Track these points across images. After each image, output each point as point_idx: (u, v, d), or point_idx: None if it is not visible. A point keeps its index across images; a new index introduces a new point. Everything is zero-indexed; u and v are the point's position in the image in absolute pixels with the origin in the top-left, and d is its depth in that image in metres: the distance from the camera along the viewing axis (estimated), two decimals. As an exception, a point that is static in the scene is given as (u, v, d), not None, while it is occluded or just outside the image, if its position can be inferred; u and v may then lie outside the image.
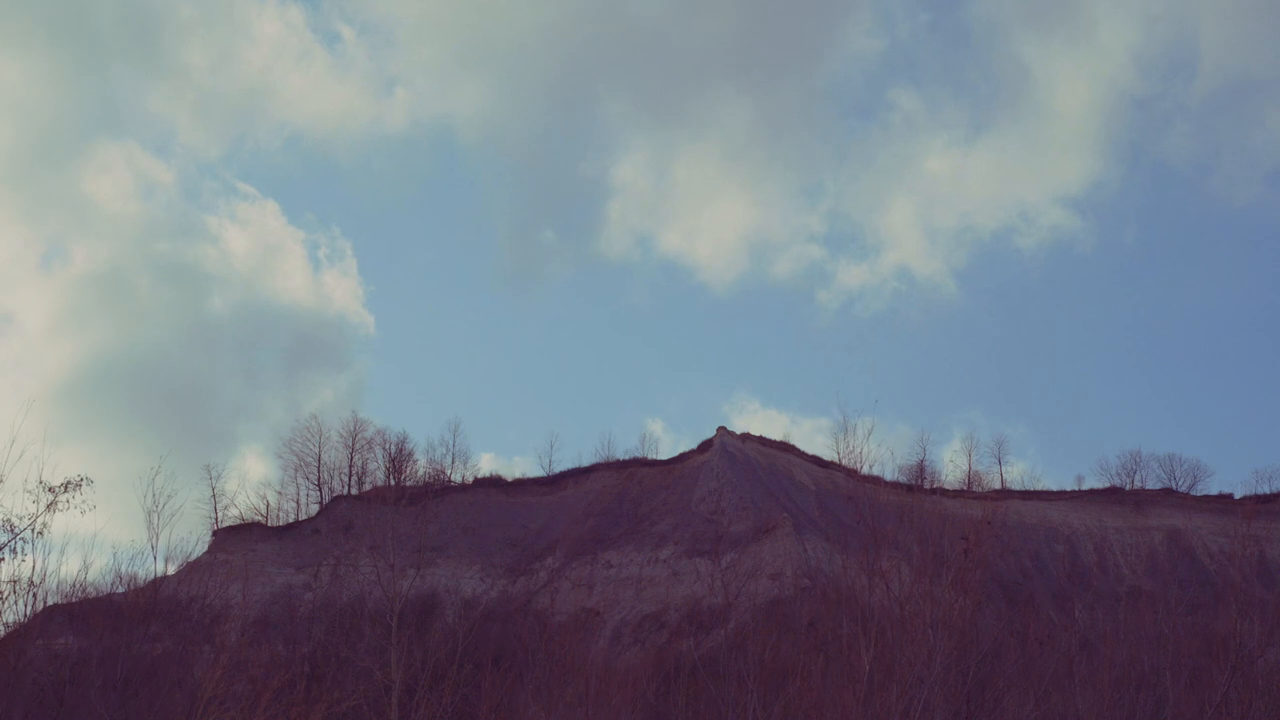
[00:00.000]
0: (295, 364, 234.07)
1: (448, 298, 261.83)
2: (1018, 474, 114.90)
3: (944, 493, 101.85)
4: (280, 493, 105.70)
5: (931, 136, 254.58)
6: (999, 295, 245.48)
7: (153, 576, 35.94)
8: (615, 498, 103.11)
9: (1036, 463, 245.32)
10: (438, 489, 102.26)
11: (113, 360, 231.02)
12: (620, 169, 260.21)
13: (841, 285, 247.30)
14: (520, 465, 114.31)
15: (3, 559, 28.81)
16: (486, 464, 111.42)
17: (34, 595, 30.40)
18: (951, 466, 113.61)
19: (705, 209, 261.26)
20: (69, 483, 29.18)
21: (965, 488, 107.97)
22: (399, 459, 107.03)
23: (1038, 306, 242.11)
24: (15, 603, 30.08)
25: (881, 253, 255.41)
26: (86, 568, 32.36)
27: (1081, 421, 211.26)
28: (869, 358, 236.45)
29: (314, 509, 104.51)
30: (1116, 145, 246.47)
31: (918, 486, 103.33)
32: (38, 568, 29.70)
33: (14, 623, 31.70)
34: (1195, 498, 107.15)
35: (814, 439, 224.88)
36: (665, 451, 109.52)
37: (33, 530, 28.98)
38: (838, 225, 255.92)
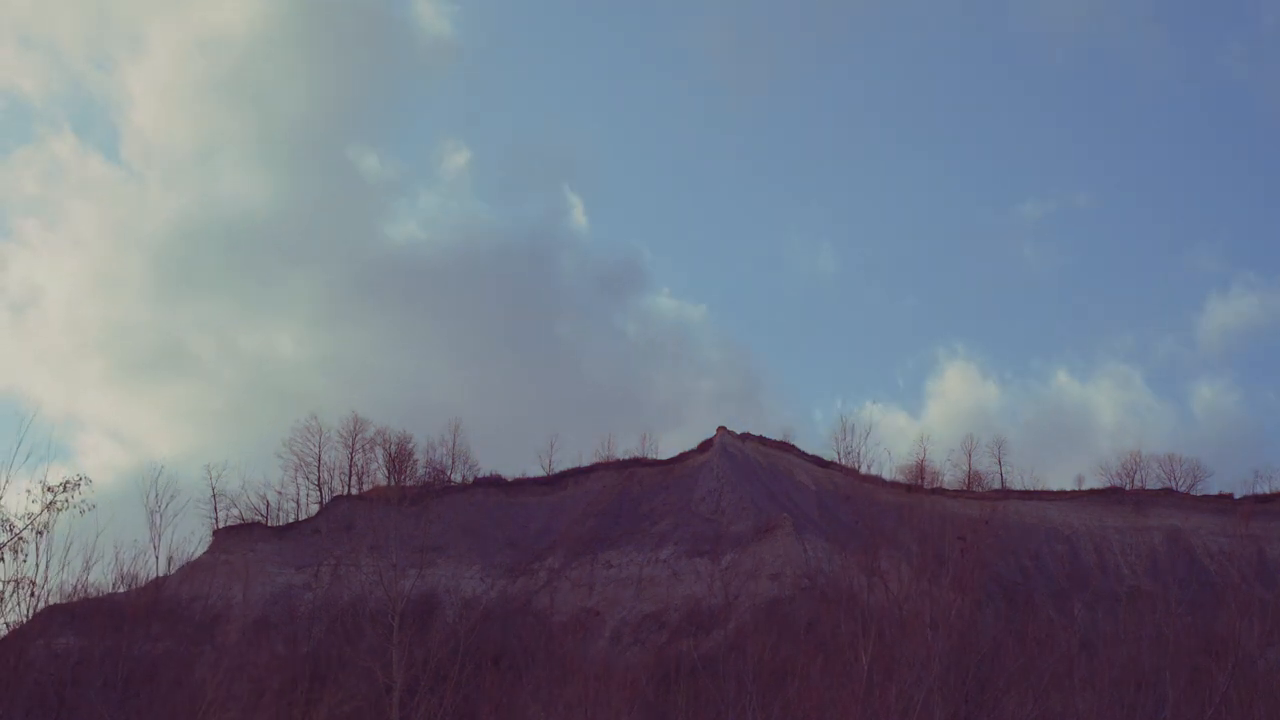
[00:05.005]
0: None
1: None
2: (1018, 474, 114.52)
3: (944, 492, 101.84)
4: (280, 493, 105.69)
5: None
6: None
7: (153, 576, 35.99)
8: (615, 498, 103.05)
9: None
10: (438, 489, 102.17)
11: (239, 202, 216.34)
12: None
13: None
14: (520, 465, 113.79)
15: (3, 559, 28.85)
16: (488, 460, 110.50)
17: (34, 595, 30.42)
18: (951, 466, 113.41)
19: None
20: (68, 482, 29.27)
21: (965, 488, 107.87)
22: (399, 459, 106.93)
23: None
24: (16, 603, 30.11)
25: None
26: (87, 568, 32.32)
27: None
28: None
29: (314, 509, 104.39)
30: None
31: (917, 486, 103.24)
32: (38, 568, 29.74)
33: (15, 623, 31.70)
34: (1195, 498, 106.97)
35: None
36: (665, 451, 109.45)
37: (33, 530, 29.03)
38: None
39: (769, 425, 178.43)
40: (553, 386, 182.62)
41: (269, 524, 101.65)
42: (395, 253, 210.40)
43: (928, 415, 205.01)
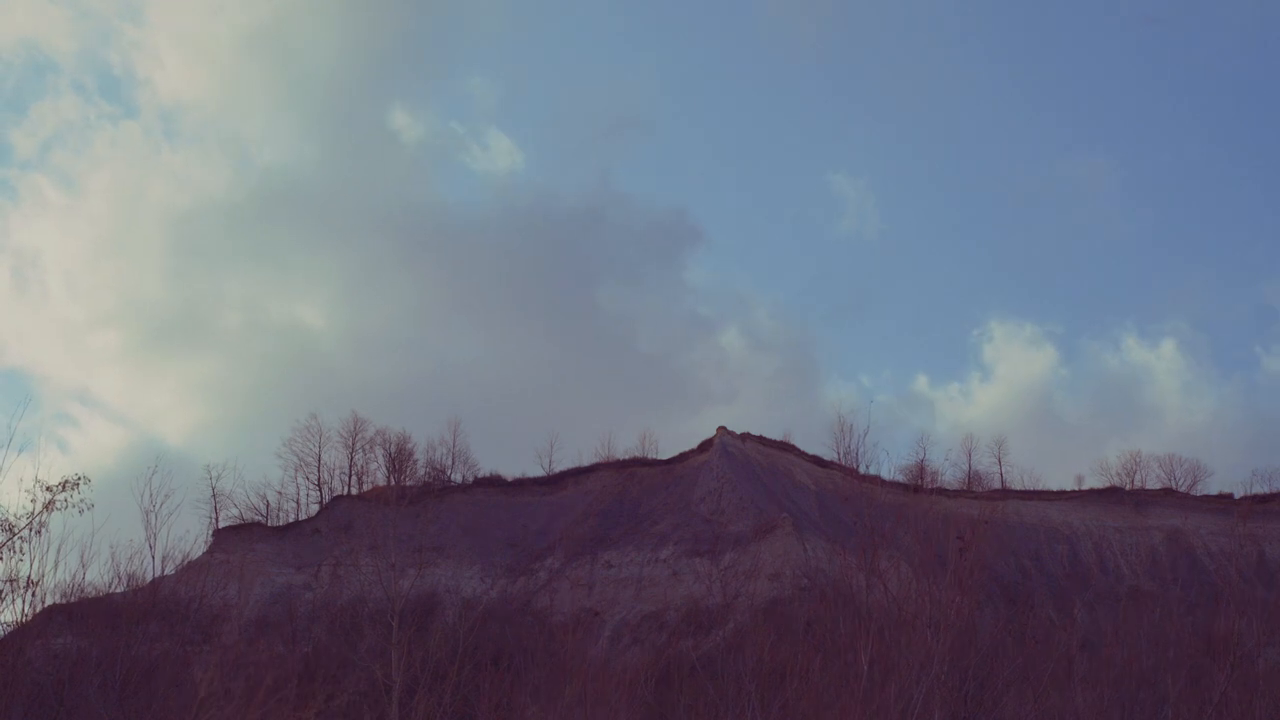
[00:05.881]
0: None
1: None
2: (1018, 473, 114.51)
3: (944, 492, 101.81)
4: (280, 493, 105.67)
5: None
6: None
7: (152, 576, 35.91)
8: (615, 498, 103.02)
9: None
10: (438, 489, 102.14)
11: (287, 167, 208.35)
12: None
13: None
14: (520, 464, 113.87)
15: (1, 558, 28.81)
16: (488, 461, 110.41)
17: (33, 595, 30.36)
18: (951, 466, 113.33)
19: None
20: (67, 481, 29.20)
21: (965, 487, 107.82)
22: (399, 459, 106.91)
23: None
24: (14, 602, 30.06)
25: None
26: (85, 567, 32.29)
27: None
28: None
29: (314, 509, 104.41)
30: None
31: (917, 486, 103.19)
32: (36, 567, 29.68)
33: (13, 622, 31.65)
34: (1195, 498, 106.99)
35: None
36: (665, 451, 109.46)
37: (31, 529, 28.98)
38: None
39: (809, 403, 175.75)
40: (599, 359, 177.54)
41: (269, 524, 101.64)
42: (433, 218, 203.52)
43: (985, 385, 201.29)
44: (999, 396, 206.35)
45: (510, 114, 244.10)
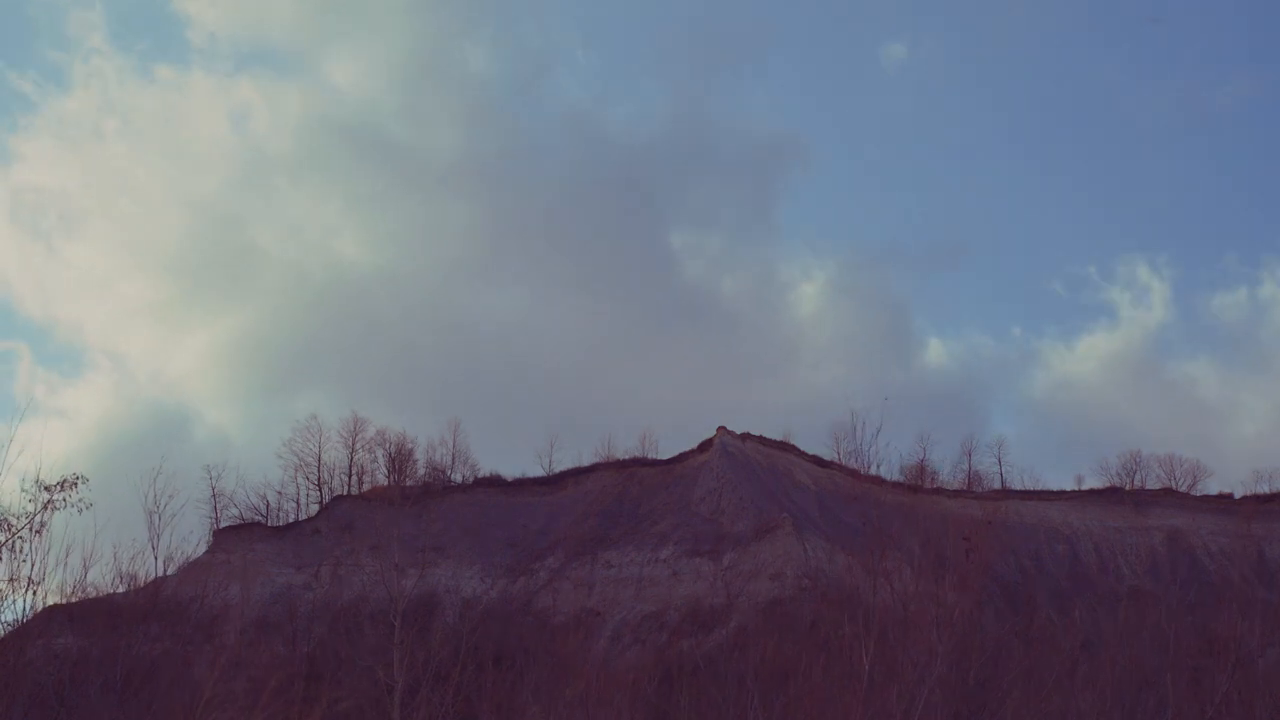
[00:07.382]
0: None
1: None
2: (1018, 473, 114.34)
3: (944, 493, 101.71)
4: (280, 493, 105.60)
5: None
6: None
7: (152, 576, 35.89)
8: (615, 498, 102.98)
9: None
10: (438, 489, 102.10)
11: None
12: None
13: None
14: (520, 464, 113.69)
15: (1, 558, 28.76)
16: (488, 461, 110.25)
17: (33, 595, 30.31)
18: (951, 466, 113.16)
19: None
20: (66, 481, 29.13)
21: (966, 488, 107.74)
22: (399, 459, 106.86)
23: None
24: (14, 602, 30.00)
25: None
26: (86, 567, 32.33)
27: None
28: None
29: (314, 509, 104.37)
30: None
31: (918, 486, 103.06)
32: (36, 567, 29.61)
33: (13, 622, 31.59)
34: (1195, 498, 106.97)
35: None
36: (665, 451, 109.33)
37: (31, 529, 28.92)
38: None
39: (905, 368, 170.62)
40: (677, 317, 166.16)
41: (269, 524, 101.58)
42: (499, 161, 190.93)
43: (1090, 334, 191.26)
44: (1107, 346, 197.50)
45: (586, 40, 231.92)
